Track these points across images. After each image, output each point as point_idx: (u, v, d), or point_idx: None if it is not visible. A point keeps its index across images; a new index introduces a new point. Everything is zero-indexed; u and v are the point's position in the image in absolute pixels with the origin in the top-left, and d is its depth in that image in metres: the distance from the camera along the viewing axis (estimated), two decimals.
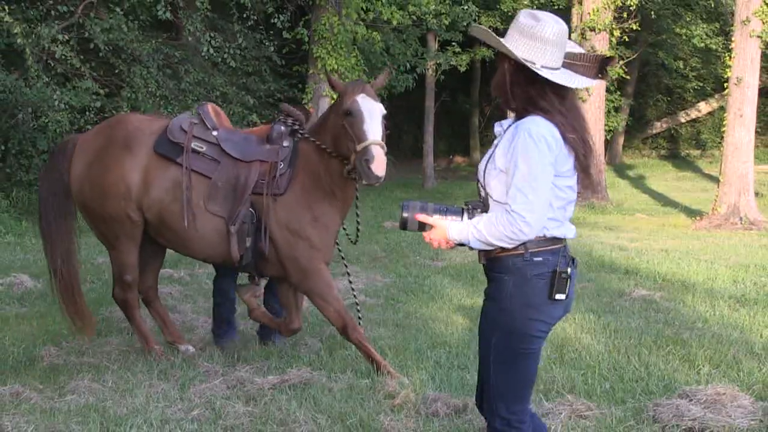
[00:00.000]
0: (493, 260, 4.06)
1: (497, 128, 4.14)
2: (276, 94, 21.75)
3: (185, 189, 7.21)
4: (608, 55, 4.16)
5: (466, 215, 4.08)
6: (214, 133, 7.41)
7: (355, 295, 7.95)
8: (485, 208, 4.06)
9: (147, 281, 7.97)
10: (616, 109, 32.13)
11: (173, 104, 18.51)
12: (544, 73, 3.93)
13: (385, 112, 6.98)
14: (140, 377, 6.94)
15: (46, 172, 7.90)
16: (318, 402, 6.33)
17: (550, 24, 3.93)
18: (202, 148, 7.33)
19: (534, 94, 3.98)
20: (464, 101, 41.02)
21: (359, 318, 7.66)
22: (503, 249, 3.97)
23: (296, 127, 7.40)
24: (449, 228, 4.04)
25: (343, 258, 7.98)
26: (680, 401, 6.12)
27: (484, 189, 4.06)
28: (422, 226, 4.13)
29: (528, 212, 3.83)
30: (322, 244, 7.25)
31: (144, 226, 7.49)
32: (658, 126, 41.37)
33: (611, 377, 6.96)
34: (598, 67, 4.05)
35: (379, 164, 6.67)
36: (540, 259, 3.99)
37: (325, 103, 19.39)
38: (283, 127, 7.37)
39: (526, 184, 3.84)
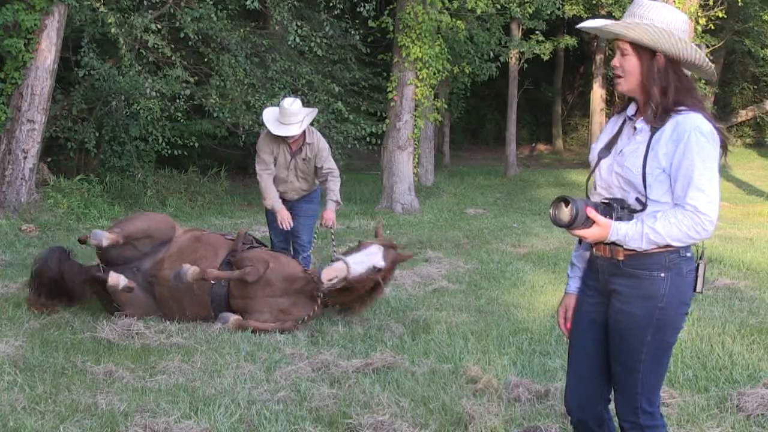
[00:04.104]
0: (641, 257, 3.90)
1: (640, 124, 3.95)
2: (361, 82, 21.89)
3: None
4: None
5: (613, 214, 3.89)
6: None
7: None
8: (627, 207, 3.91)
9: None
10: None
11: (260, 92, 18.75)
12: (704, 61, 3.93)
13: None
14: (228, 359, 7.11)
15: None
16: (401, 385, 6.44)
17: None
18: None
19: (685, 87, 3.93)
20: (547, 89, 40.83)
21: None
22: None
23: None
24: (615, 228, 3.84)
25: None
26: (765, 391, 6.10)
27: (642, 190, 3.89)
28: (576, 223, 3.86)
29: (712, 211, 3.77)
30: None
31: None
32: (744, 114, 40.59)
33: (694, 365, 6.96)
34: None
35: None
36: (689, 254, 3.94)
37: (409, 92, 19.43)
38: None
39: (707, 182, 3.77)
